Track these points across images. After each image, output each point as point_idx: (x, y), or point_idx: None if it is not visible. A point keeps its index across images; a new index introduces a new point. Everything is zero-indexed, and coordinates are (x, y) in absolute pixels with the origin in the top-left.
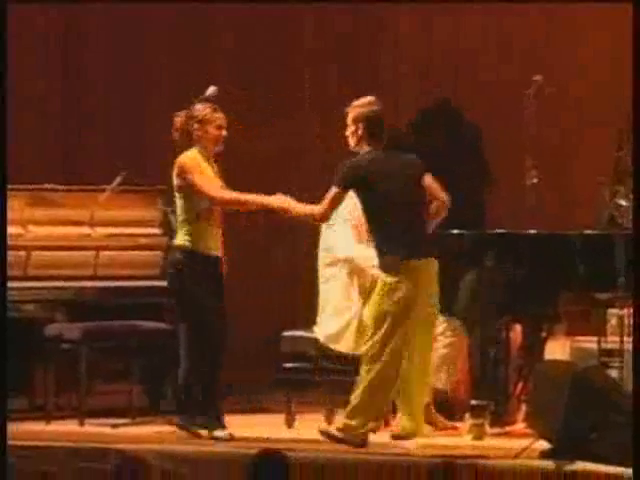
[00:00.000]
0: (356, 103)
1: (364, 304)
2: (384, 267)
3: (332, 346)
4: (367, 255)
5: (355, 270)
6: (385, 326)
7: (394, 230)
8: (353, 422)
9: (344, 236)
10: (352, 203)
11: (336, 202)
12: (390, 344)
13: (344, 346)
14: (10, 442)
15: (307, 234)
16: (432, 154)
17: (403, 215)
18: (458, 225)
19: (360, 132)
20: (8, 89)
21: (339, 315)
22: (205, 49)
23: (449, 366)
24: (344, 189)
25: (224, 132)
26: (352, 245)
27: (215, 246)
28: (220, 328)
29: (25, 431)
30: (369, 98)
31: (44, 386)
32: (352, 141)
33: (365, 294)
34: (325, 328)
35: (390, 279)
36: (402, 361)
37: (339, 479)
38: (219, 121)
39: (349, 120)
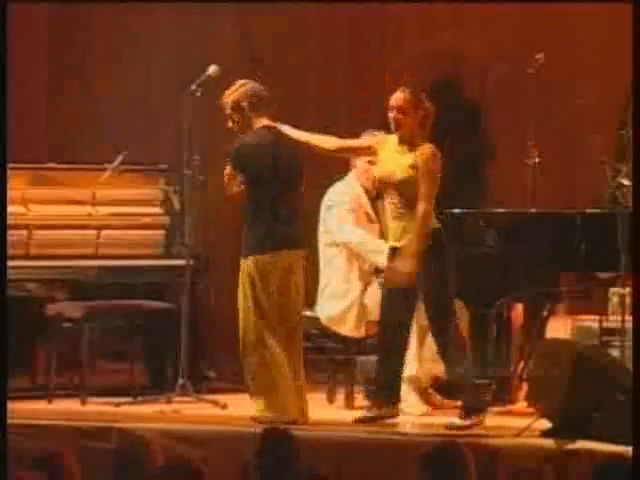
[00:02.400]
0: (229, 91)
1: (364, 288)
2: (247, 248)
3: (334, 328)
4: (365, 240)
5: (354, 254)
6: (244, 296)
7: (269, 215)
8: (264, 400)
9: (342, 221)
10: (351, 188)
11: (232, 180)
12: (251, 316)
13: (346, 329)
14: (11, 421)
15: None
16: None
17: (280, 202)
18: (457, 200)
19: (245, 112)
20: (10, 71)
21: (339, 298)
22: (207, 30)
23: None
24: (235, 169)
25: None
26: (350, 230)
27: None
28: None
29: (27, 409)
30: (241, 81)
31: (46, 365)
32: (237, 127)
33: (365, 278)
34: (326, 310)
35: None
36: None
37: (340, 458)
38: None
39: (229, 107)
